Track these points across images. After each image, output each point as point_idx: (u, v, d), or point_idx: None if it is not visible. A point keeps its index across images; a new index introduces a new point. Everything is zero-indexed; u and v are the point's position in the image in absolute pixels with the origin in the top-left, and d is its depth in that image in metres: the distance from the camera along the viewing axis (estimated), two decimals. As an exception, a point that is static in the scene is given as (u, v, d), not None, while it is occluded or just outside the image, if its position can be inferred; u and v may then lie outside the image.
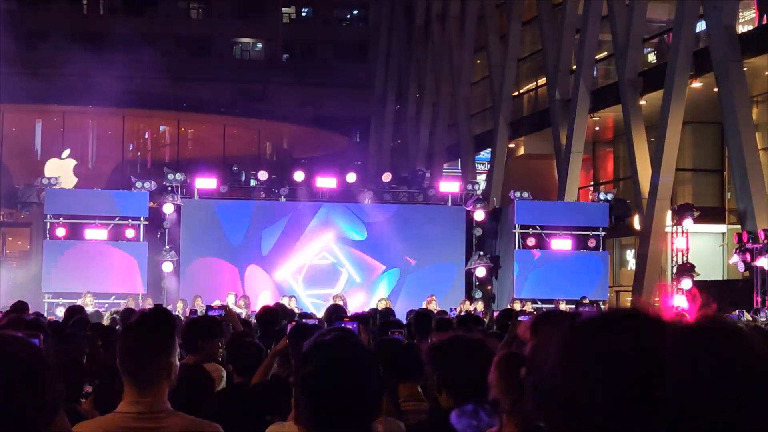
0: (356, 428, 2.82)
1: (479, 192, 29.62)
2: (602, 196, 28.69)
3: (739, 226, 27.13)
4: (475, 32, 42.38)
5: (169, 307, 23.41)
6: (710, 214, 31.11)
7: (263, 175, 27.83)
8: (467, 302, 25.72)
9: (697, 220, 27.79)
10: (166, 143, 50.18)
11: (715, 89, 27.17)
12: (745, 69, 26.44)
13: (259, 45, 60.42)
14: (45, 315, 17.72)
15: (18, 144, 43.74)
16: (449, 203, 28.59)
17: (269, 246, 27.38)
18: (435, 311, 24.05)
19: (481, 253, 28.07)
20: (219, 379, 6.92)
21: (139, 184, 26.65)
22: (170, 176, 26.90)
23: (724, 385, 1.46)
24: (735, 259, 25.36)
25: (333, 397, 2.79)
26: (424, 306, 24.50)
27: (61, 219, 26.17)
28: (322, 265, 27.63)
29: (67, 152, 33.99)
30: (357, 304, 25.05)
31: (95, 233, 26.26)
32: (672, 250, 28.01)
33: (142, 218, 26.59)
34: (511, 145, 40.43)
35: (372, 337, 8.40)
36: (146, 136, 50.36)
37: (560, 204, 30.56)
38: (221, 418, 4.44)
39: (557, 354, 1.58)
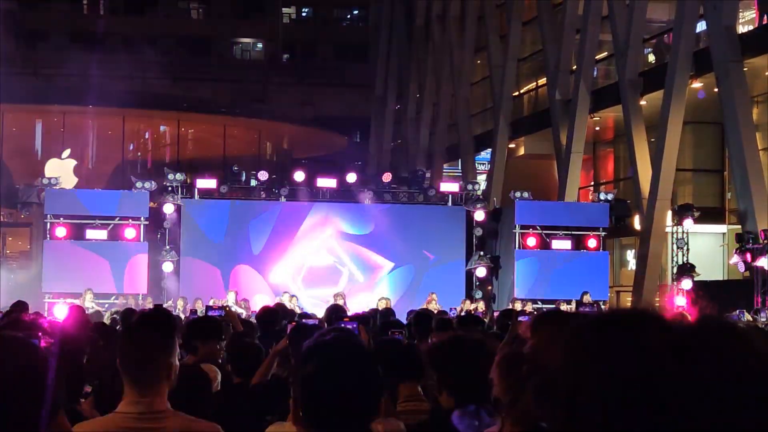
0: (355, 428, 2.82)
1: (479, 192, 29.62)
2: (602, 197, 28.69)
3: (739, 227, 27.12)
4: (476, 32, 42.37)
5: (170, 304, 23.57)
6: (710, 215, 31.10)
7: (263, 176, 27.83)
8: (468, 302, 25.73)
9: (697, 221, 27.79)
10: (166, 143, 50.18)
11: (716, 89, 27.17)
12: (745, 69, 26.43)
13: (260, 45, 60.43)
14: (45, 315, 17.74)
15: (18, 144, 43.73)
16: (449, 203, 28.59)
17: (272, 247, 27.36)
18: (435, 310, 24.18)
19: (482, 253, 28.07)
20: (213, 380, 6.92)
21: (139, 185, 26.65)
22: (170, 176, 26.90)
23: (725, 385, 1.46)
24: (735, 259, 25.36)
25: (332, 398, 2.79)
26: (423, 305, 24.57)
27: (62, 219, 26.18)
28: (322, 264, 27.61)
29: (67, 152, 34.02)
30: (359, 303, 25.05)
31: (95, 233, 26.27)
32: (672, 250, 28.02)
33: (142, 218, 26.60)
34: (512, 145, 40.42)
35: (372, 338, 8.39)
36: (146, 136, 50.35)
37: (560, 204, 30.56)
38: (221, 418, 4.44)
39: (561, 354, 1.58)
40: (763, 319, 20.55)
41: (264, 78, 55.88)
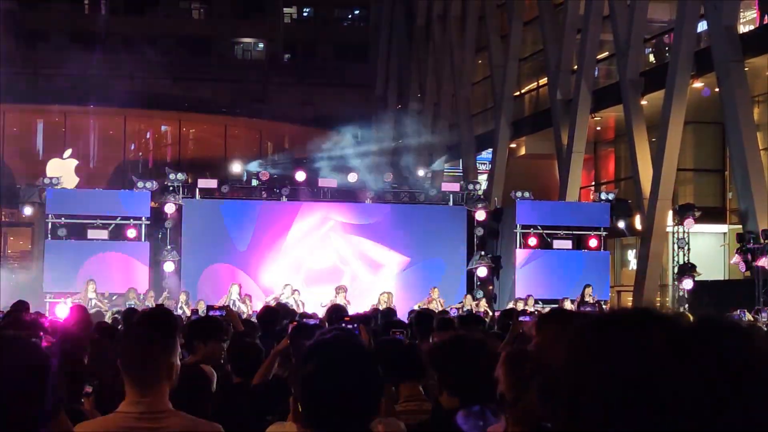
0: (355, 428, 2.82)
1: (480, 192, 29.62)
2: (603, 196, 28.69)
3: (740, 226, 27.12)
4: (476, 32, 42.37)
5: (171, 303, 23.62)
6: (711, 214, 31.08)
7: (264, 176, 27.83)
8: (469, 297, 25.76)
9: (698, 220, 27.78)
10: (167, 143, 50.22)
11: (717, 89, 27.16)
12: (746, 69, 26.43)
13: (260, 45, 60.41)
14: (46, 315, 17.74)
15: (19, 144, 43.78)
16: (450, 203, 28.59)
17: (272, 246, 27.38)
18: (438, 305, 24.32)
19: (483, 253, 28.07)
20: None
21: (140, 184, 26.65)
22: (171, 176, 26.91)
23: (727, 384, 1.46)
24: (736, 259, 25.35)
25: (332, 397, 2.79)
26: (424, 302, 24.64)
27: (63, 219, 26.18)
28: (323, 263, 27.59)
29: (68, 152, 34.00)
30: (360, 296, 25.14)
31: (97, 233, 26.28)
32: (673, 250, 28.02)
33: (143, 218, 26.60)
34: (513, 145, 40.42)
35: (373, 337, 8.39)
36: (148, 136, 50.41)
37: (561, 204, 30.57)
38: (222, 417, 4.45)
39: (563, 354, 1.58)
40: (764, 319, 20.53)
41: (264, 78, 55.88)
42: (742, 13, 28.39)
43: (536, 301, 25.81)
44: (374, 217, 27.91)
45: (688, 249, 27.63)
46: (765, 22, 27.55)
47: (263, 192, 27.74)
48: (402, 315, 16.14)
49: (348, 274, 27.57)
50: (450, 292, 26.06)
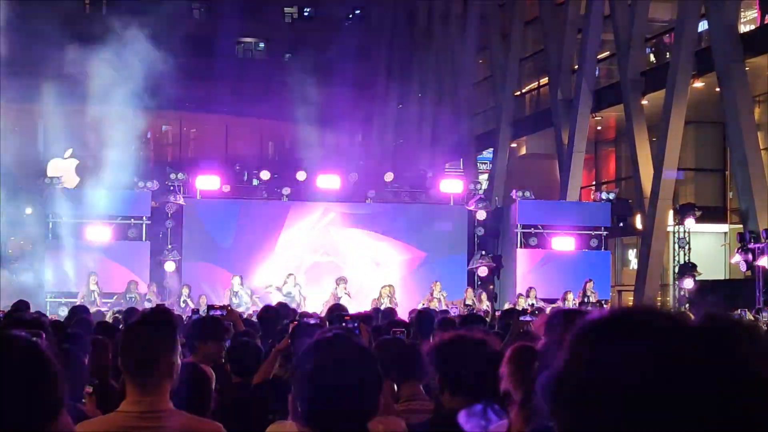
0: (353, 427, 2.82)
1: (481, 191, 29.62)
2: (604, 196, 28.69)
3: (741, 226, 27.11)
4: (478, 32, 42.36)
5: (173, 299, 23.73)
6: (712, 214, 31.08)
7: (265, 175, 27.83)
8: (470, 290, 25.79)
9: (698, 220, 27.77)
10: (168, 143, 50.21)
11: (717, 89, 27.15)
12: (747, 69, 26.42)
13: (262, 45, 60.42)
14: (47, 315, 17.74)
15: (20, 143, 43.72)
16: (451, 203, 28.58)
17: (273, 246, 27.38)
18: (440, 298, 24.43)
19: (483, 252, 28.07)
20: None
21: (141, 184, 26.65)
22: (172, 176, 26.91)
23: (731, 383, 1.46)
24: (737, 258, 25.35)
25: (330, 396, 2.79)
26: (426, 298, 24.73)
27: (64, 218, 26.18)
28: (323, 263, 27.59)
29: (69, 152, 34.00)
30: (360, 289, 25.27)
31: (97, 233, 26.27)
32: (674, 249, 28.01)
33: (144, 218, 26.61)
34: (513, 145, 40.42)
35: (373, 336, 8.39)
36: (149, 136, 50.37)
37: (562, 203, 30.57)
38: (223, 417, 4.45)
39: (566, 353, 1.58)
40: (765, 318, 20.53)
41: (266, 77, 55.85)
42: (742, 13, 28.40)
43: (537, 300, 25.80)
44: (375, 217, 27.91)
45: (689, 248, 27.62)
46: (766, 22, 27.53)
47: (264, 191, 27.74)
48: (402, 314, 16.14)
49: (349, 273, 27.56)
50: (451, 291, 26.05)
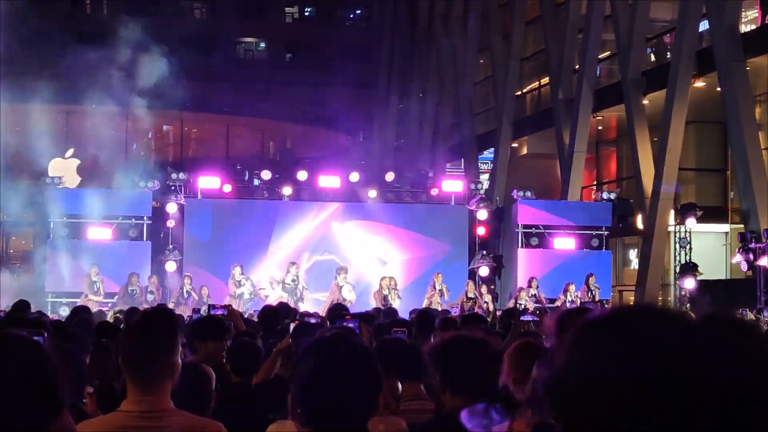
0: (352, 426, 2.82)
1: (482, 191, 29.61)
2: (605, 196, 28.68)
3: (742, 226, 27.11)
4: (479, 32, 42.37)
5: (175, 290, 23.89)
6: (713, 214, 31.07)
7: (266, 175, 27.83)
8: (471, 283, 25.80)
9: (700, 220, 27.77)
10: (169, 143, 50.23)
11: (718, 89, 27.15)
12: (747, 68, 26.42)
13: (263, 44, 60.42)
14: (48, 314, 17.75)
15: (22, 143, 43.71)
16: (452, 203, 28.58)
17: (274, 246, 27.39)
18: (440, 288, 24.54)
19: (484, 252, 28.06)
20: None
21: (142, 184, 26.66)
22: (174, 176, 26.91)
23: (734, 381, 1.46)
24: (738, 258, 25.34)
25: (328, 395, 2.80)
26: (429, 290, 24.80)
27: (65, 219, 26.19)
28: (324, 261, 27.57)
29: (70, 152, 34.02)
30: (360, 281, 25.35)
31: (98, 233, 26.28)
32: (675, 249, 28.00)
33: (145, 218, 26.61)
34: (515, 145, 40.42)
35: (374, 336, 8.39)
36: (150, 136, 50.40)
37: (563, 203, 30.56)
38: (224, 417, 4.45)
39: (567, 351, 1.58)
40: (766, 318, 20.54)
41: (267, 77, 55.87)
42: (743, 13, 28.39)
43: (539, 291, 25.77)
44: (376, 217, 27.90)
45: (690, 248, 27.61)
46: (766, 22, 27.53)
47: (265, 191, 27.74)
48: (403, 313, 16.14)
49: (349, 272, 27.55)
50: (452, 292, 26.04)
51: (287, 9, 60.15)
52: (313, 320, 8.17)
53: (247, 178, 28.17)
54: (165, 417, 3.76)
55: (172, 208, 26.47)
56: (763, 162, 26.67)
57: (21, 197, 27.89)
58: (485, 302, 25.18)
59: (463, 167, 44.35)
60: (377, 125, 51.48)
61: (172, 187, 26.74)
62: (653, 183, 29.24)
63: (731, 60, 26.08)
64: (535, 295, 25.24)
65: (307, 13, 62.09)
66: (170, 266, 26.12)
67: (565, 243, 27.85)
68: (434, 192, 28.50)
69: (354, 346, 2.97)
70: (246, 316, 15.22)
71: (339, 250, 27.77)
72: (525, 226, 27.85)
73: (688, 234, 27.66)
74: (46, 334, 3.88)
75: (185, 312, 22.47)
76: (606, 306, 23.15)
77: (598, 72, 34.48)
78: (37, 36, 50.50)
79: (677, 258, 27.85)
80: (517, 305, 24.64)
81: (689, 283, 26.60)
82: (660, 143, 29.20)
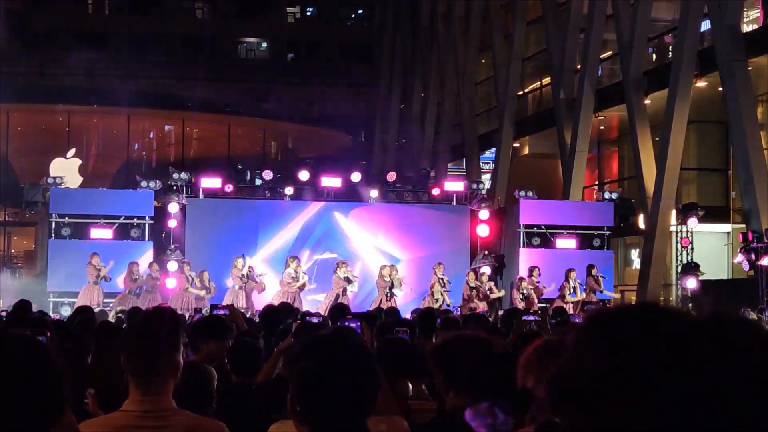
0: (351, 425, 2.82)
1: (484, 191, 29.60)
2: (607, 196, 28.68)
3: (743, 225, 27.09)
4: (480, 32, 42.37)
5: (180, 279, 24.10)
6: (715, 214, 31.07)
7: (268, 175, 27.83)
8: (472, 273, 25.82)
9: (701, 220, 27.76)
10: (171, 143, 50.26)
11: (720, 88, 27.14)
12: (749, 68, 26.41)
13: (264, 44, 60.45)
14: (50, 314, 17.77)
15: (23, 143, 43.77)
16: (454, 202, 28.58)
17: (274, 246, 27.39)
18: (441, 278, 24.60)
19: (486, 252, 28.05)
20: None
21: (144, 184, 26.66)
22: (175, 176, 26.92)
23: (735, 379, 1.46)
24: (740, 258, 25.32)
25: (327, 394, 2.79)
26: (427, 298, 24.77)
27: (66, 218, 26.19)
28: (325, 261, 27.56)
29: (72, 151, 34.04)
30: (362, 297, 25.23)
31: (100, 233, 26.29)
32: (676, 249, 27.99)
33: (147, 218, 26.61)
34: (516, 145, 40.42)
35: (376, 336, 8.39)
36: (151, 136, 50.44)
37: (565, 203, 30.54)
38: (225, 416, 4.45)
39: (569, 349, 1.58)
40: (768, 318, 20.52)
41: (268, 77, 55.91)
42: (745, 13, 28.38)
43: (539, 279, 25.77)
44: (377, 217, 27.91)
45: (692, 248, 27.61)
46: (769, 22, 27.53)
47: (266, 191, 27.74)
48: (404, 313, 16.15)
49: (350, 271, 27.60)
50: (453, 292, 26.04)
51: (289, 9, 60.20)
52: (315, 320, 8.16)
53: (248, 177, 28.17)
54: (167, 416, 3.76)
55: (173, 208, 26.48)
56: (765, 162, 26.64)
57: (23, 197, 27.93)
58: (488, 288, 25.33)
59: (464, 167, 44.36)
60: (379, 125, 51.50)
61: (174, 187, 26.74)
62: (655, 183, 29.23)
63: (733, 60, 26.07)
64: (538, 282, 25.35)
65: (308, 13, 62.14)
66: (172, 266, 26.12)
67: (566, 243, 27.84)
68: (436, 192, 28.49)
69: (352, 344, 2.96)
70: (248, 315, 15.22)
71: (340, 250, 27.76)
72: (527, 226, 27.84)
73: (689, 234, 27.63)
74: (48, 334, 3.88)
75: (188, 300, 22.77)
76: (608, 306, 23.20)
77: (599, 72, 34.46)
78: (40, 35, 50.48)
79: (679, 258, 27.84)
80: (521, 293, 24.74)
81: (691, 283, 26.59)
82: (661, 143, 29.20)
